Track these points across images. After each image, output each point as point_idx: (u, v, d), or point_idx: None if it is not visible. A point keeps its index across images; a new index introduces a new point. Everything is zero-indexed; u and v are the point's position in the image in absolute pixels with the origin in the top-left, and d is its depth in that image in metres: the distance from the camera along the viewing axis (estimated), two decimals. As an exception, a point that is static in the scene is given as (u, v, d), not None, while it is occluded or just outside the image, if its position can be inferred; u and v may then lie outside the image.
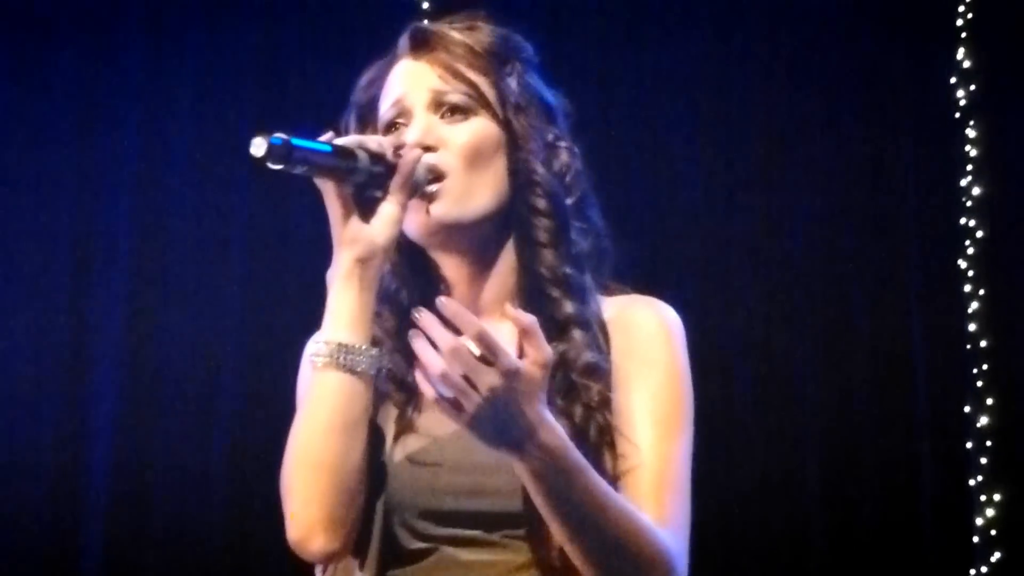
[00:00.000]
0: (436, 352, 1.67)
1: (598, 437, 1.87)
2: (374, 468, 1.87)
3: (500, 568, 1.84)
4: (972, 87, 5.02)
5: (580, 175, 2.01)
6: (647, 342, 1.95)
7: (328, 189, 1.85)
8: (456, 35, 1.98)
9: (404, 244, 1.94)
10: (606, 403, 1.89)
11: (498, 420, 1.69)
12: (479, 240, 1.95)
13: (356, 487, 1.84)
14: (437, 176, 1.92)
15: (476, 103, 1.95)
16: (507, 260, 1.97)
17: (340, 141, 1.84)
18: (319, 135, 1.84)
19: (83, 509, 4.99)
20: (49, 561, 4.96)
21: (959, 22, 5.05)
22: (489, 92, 1.97)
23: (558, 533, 1.78)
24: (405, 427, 1.91)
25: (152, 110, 5.20)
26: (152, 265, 5.11)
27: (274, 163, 1.76)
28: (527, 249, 1.95)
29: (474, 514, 1.85)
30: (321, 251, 1.90)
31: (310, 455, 1.83)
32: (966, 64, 5.04)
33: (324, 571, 1.90)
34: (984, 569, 4.77)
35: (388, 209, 1.85)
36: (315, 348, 1.86)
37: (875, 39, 5.04)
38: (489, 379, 1.67)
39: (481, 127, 1.95)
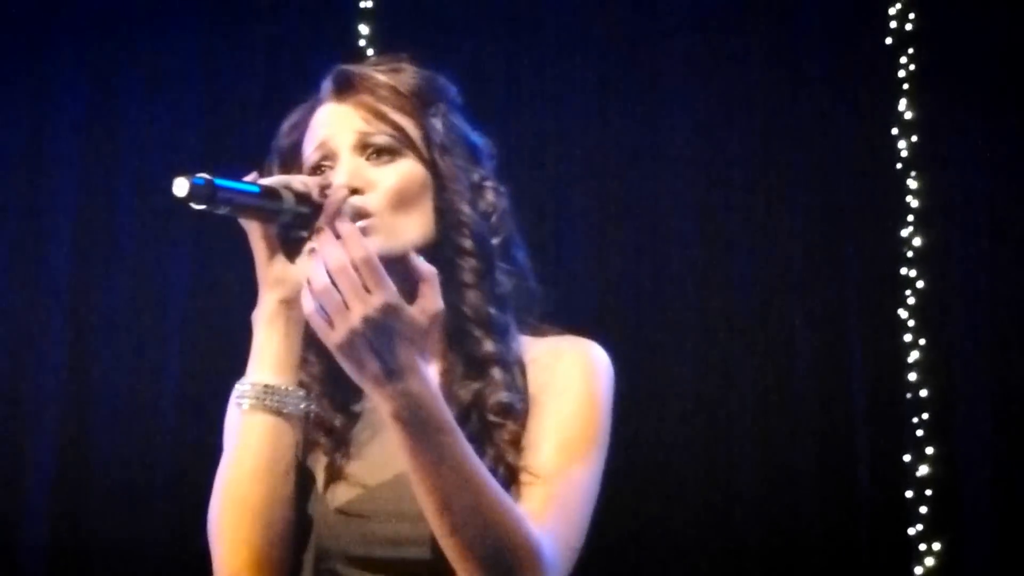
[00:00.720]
0: (324, 269, 1.69)
1: (508, 476, 1.86)
2: (304, 515, 1.86)
3: (430, 615, 1.83)
4: (914, 138, 5.05)
5: (506, 215, 2.02)
6: (567, 374, 1.95)
7: (253, 229, 1.84)
8: (380, 77, 1.97)
9: (331, 285, 1.93)
10: (517, 443, 1.89)
11: (365, 351, 1.69)
12: (406, 278, 1.94)
13: (285, 530, 1.83)
14: (364, 217, 1.91)
15: (402, 144, 1.95)
16: (432, 299, 1.96)
17: (265, 181, 1.83)
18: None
19: (24, 516, 5.01)
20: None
21: (901, 74, 5.09)
22: (415, 133, 1.96)
23: (423, 501, 1.74)
24: (335, 475, 1.90)
25: (92, 158, 5.20)
26: (92, 300, 5.13)
27: (197, 203, 1.74)
28: (452, 288, 1.93)
29: (403, 562, 1.84)
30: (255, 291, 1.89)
31: (237, 497, 1.82)
32: (908, 116, 5.07)
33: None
34: (923, 618, 4.79)
35: None
36: (241, 390, 1.85)
37: (817, 90, 5.06)
38: (364, 308, 1.68)
39: (407, 169, 1.94)
